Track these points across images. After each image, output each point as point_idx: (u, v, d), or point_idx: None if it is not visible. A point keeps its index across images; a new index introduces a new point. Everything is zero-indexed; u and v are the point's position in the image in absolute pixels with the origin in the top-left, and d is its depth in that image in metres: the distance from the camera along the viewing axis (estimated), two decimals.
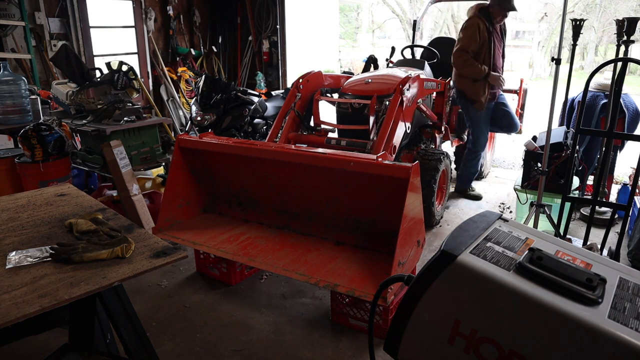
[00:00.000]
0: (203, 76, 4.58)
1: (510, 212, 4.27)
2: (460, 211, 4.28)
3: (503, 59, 4.37)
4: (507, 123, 4.57)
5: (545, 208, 3.25)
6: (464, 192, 4.68)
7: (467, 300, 1.06)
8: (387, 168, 2.37)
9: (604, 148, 3.37)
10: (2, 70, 3.76)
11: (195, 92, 4.73)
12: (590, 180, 4.24)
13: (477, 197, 4.57)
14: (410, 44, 5.21)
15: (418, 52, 5.26)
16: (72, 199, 2.05)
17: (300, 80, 3.76)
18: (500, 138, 5.83)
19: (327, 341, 2.45)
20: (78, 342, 1.78)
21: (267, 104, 4.88)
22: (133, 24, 6.38)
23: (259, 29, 7.32)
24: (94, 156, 3.65)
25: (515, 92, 5.18)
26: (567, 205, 2.95)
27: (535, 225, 3.30)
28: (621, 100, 3.16)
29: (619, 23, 3.04)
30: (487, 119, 4.41)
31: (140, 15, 6.38)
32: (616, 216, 3.17)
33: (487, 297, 1.03)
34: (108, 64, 3.92)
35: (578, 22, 2.99)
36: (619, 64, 2.86)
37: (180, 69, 6.85)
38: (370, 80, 3.74)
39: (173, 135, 6.01)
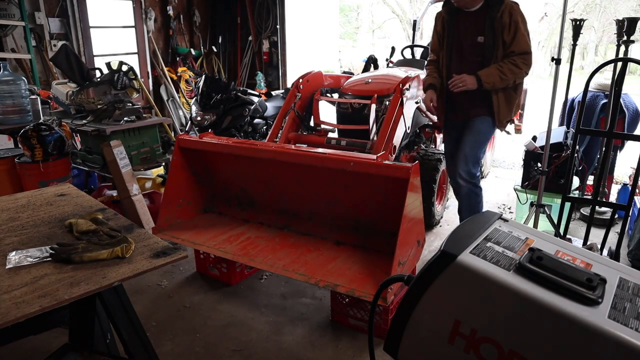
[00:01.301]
0: (203, 76, 4.58)
1: (511, 212, 4.27)
2: None
3: (476, 64, 2.87)
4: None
5: (545, 208, 3.25)
6: None
7: (467, 300, 1.06)
8: (387, 168, 2.37)
9: (604, 148, 3.36)
10: (2, 70, 3.76)
11: (195, 92, 4.73)
12: (590, 180, 4.24)
13: None
14: (410, 44, 5.21)
15: (418, 52, 5.26)
16: (72, 199, 2.05)
17: (300, 80, 3.76)
18: (500, 138, 5.82)
19: (327, 341, 2.45)
20: (78, 342, 1.78)
21: (267, 104, 4.88)
22: (133, 24, 6.38)
23: (259, 29, 7.32)
24: (94, 156, 3.65)
25: None
26: (567, 205, 2.94)
27: (535, 225, 3.30)
28: (621, 100, 3.16)
29: (619, 23, 3.04)
30: (447, 140, 3.36)
31: (140, 15, 6.38)
32: (616, 216, 3.16)
33: (487, 297, 1.03)
34: (108, 64, 3.92)
35: (578, 22, 2.99)
36: (619, 64, 2.86)
37: (180, 69, 6.85)
38: (370, 80, 3.74)
39: (173, 135, 6.01)
